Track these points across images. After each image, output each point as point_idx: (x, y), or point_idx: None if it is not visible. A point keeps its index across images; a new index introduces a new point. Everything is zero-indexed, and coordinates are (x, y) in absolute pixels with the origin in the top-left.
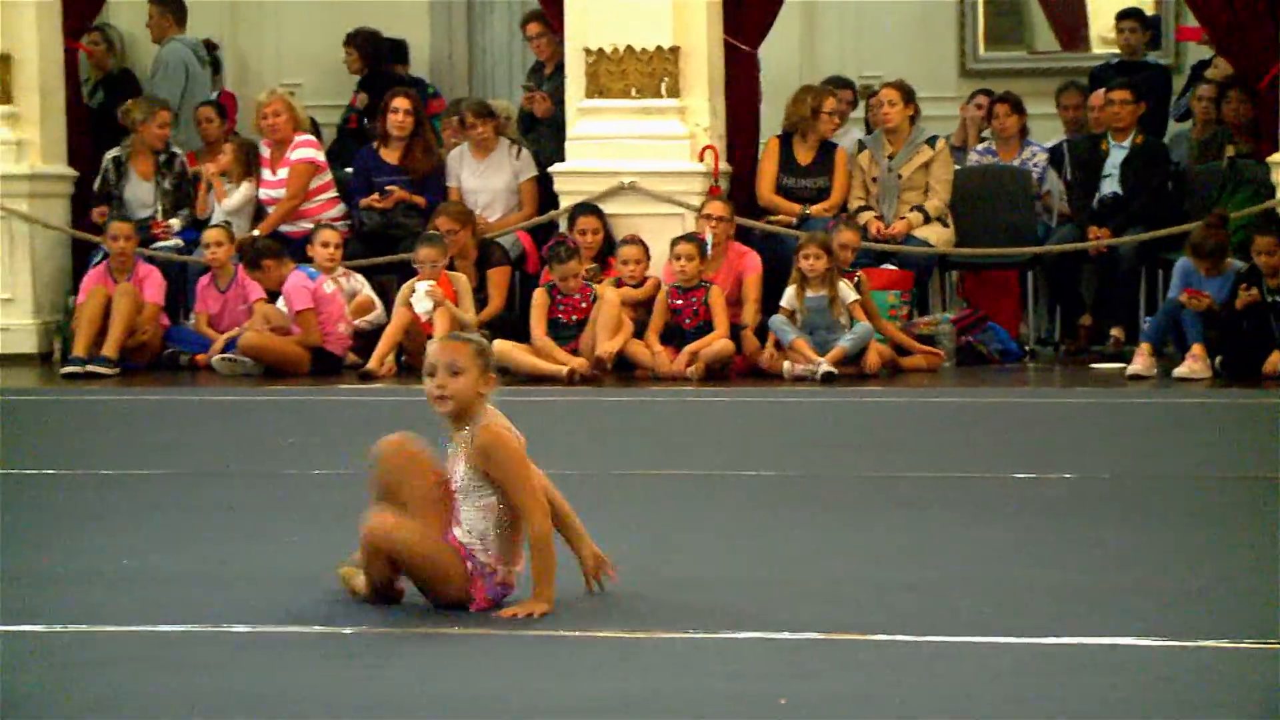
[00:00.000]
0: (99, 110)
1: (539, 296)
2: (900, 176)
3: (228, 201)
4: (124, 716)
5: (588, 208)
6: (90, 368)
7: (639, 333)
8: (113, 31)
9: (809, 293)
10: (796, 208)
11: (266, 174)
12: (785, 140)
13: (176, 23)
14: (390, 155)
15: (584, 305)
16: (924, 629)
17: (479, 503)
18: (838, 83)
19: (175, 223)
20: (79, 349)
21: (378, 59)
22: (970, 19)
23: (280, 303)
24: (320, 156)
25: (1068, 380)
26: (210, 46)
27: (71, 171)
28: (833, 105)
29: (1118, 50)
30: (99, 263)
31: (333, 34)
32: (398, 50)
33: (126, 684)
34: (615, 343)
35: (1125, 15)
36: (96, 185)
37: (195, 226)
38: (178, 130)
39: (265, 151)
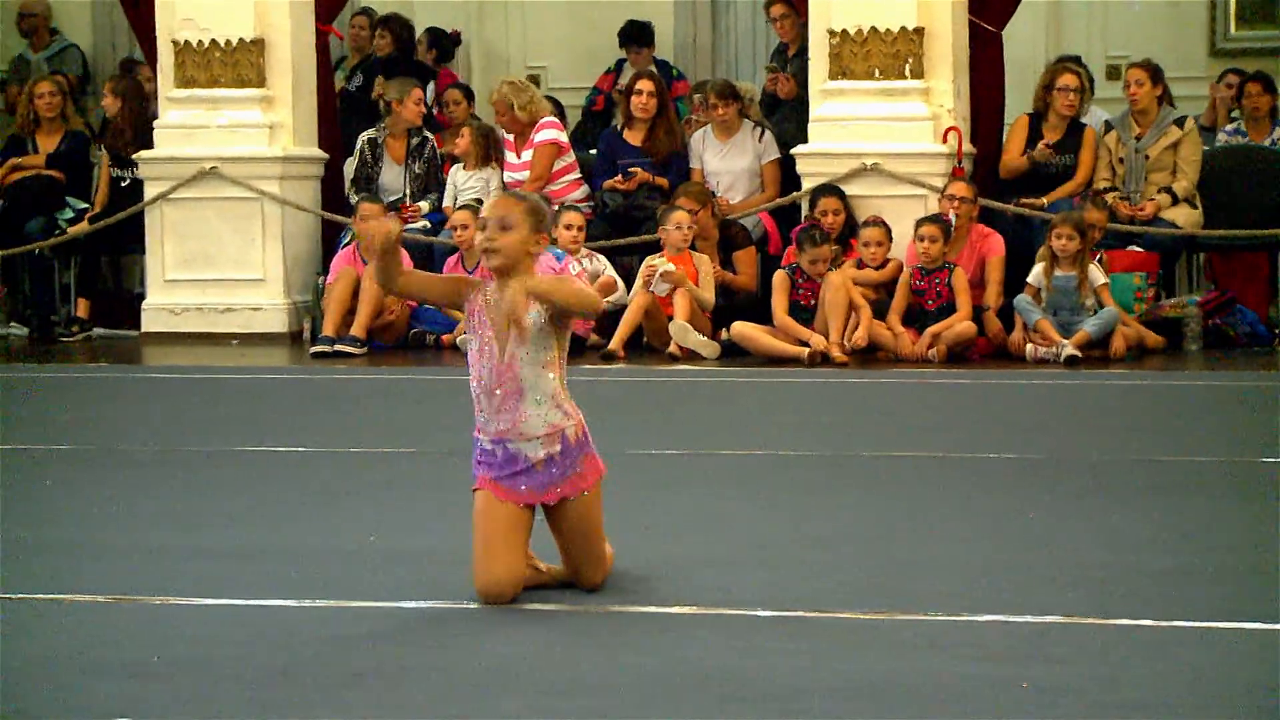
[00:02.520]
0: (357, 93)
1: (780, 278)
2: (1147, 157)
3: (466, 187)
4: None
5: (829, 189)
6: (338, 347)
7: (881, 314)
8: (377, 15)
9: (1058, 272)
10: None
11: (511, 157)
12: (1035, 119)
13: None
14: (633, 137)
15: (812, 283)
16: (1169, 614)
17: (545, 360)
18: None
19: (424, 205)
20: (327, 329)
21: (409, 46)
22: None
23: None
24: (563, 138)
25: None
26: (456, 37)
27: (322, 154)
28: (1070, 81)
29: None
30: (348, 244)
31: (578, 18)
32: (643, 32)
33: (378, 656)
34: (861, 333)
35: None
36: (354, 168)
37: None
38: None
39: (509, 135)
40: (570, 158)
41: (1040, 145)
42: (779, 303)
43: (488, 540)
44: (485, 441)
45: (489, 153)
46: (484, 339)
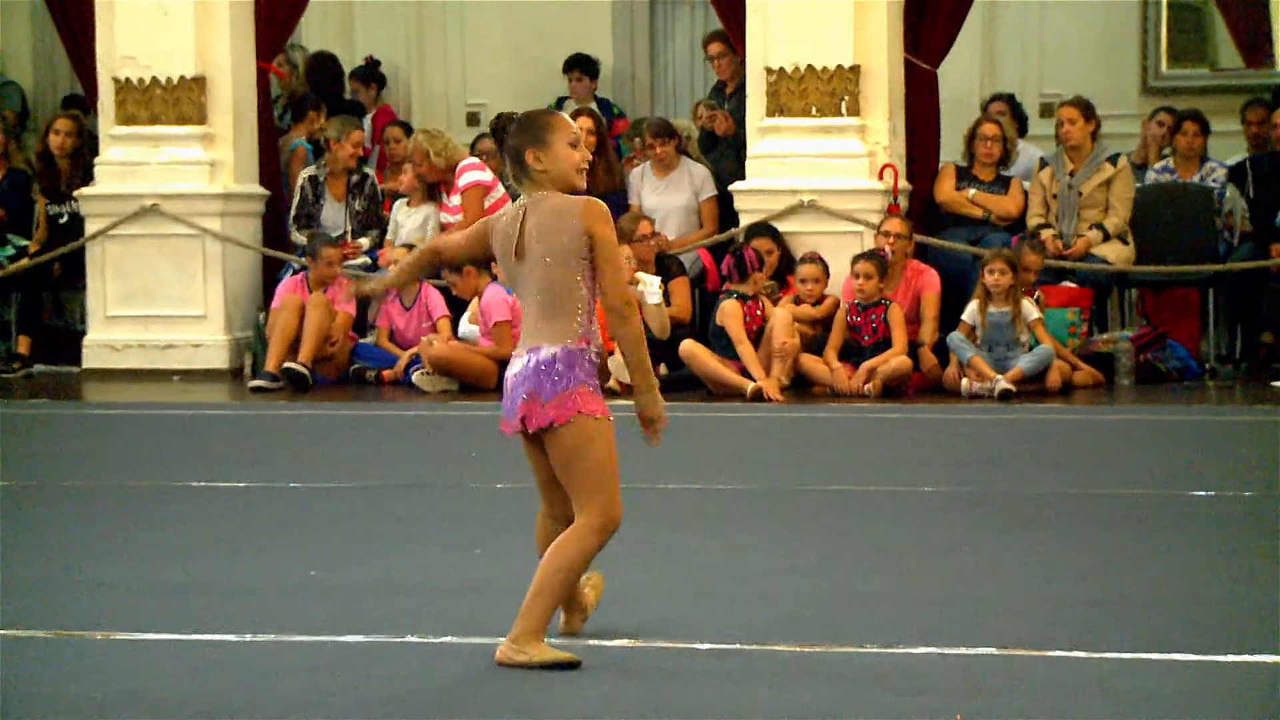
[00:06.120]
0: (287, 131)
1: (733, 307)
2: (1080, 193)
3: (407, 224)
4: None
5: (763, 228)
6: (288, 365)
7: (818, 349)
8: (297, 52)
9: (992, 308)
10: (977, 210)
11: (444, 198)
12: (962, 171)
13: None
14: None
15: (760, 314)
16: (1100, 645)
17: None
18: (1005, 100)
19: (364, 242)
20: (271, 359)
21: (324, 83)
22: (1153, 36)
23: (464, 316)
24: (486, 176)
25: (1248, 398)
26: (372, 63)
27: (263, 191)
28: (989, 130)
29: None
30: (295, 274)
31: (517, 55)
32: (587, 64)
33: (319, 689)
34: (775, 378)
35: None
36: (295, 205)
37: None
38: None
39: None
40: (501, 191)
41: (975, 193)
42: (738, 332)
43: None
44: (593, 354)
45: (432, 190)
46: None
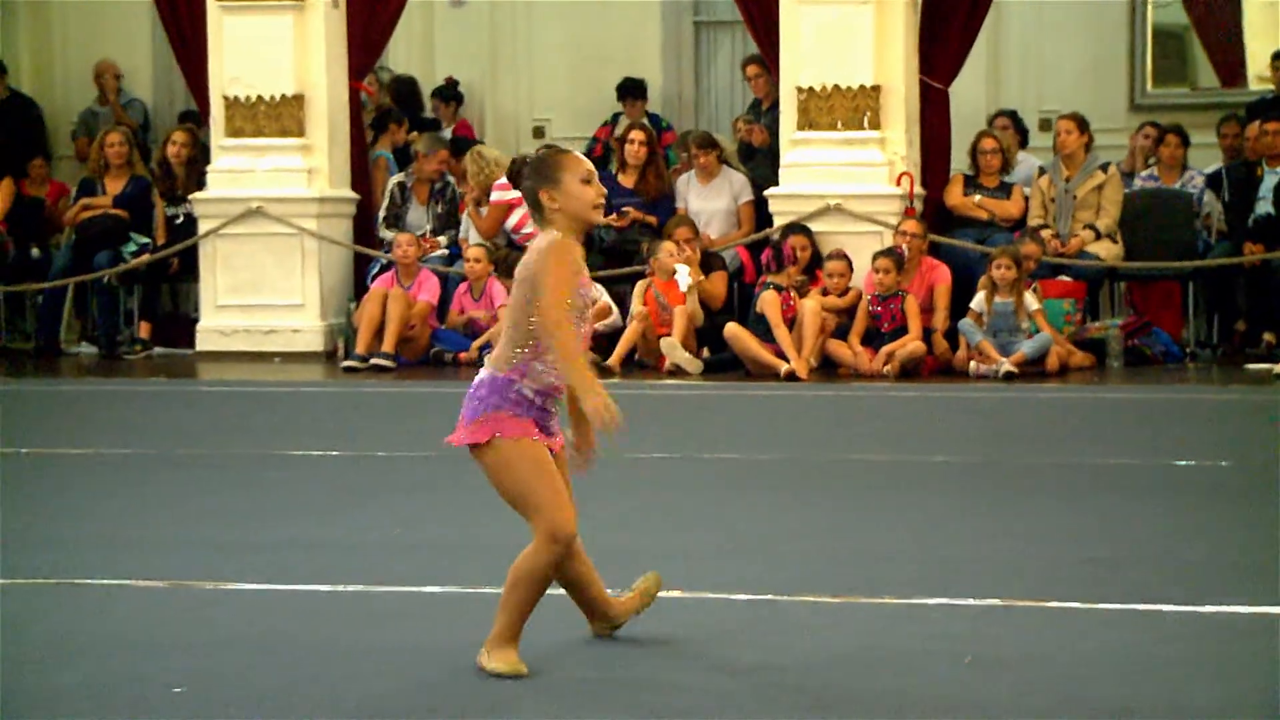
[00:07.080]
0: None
1: (772, 297)
2: (1075, 197)
3: (476, 227)
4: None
5: (797, 227)
6: (374, 361)
7: (843, 335)
8: (384, 73)
9: (997, 298)
10: (983, 213)
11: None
12: (969, 179)
13: None
14: (627, 180)
15: (793, 304)
16: (1094, 597)
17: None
18: (1009, 115)
19: (442, 240)
20: (360, 345)
21: (406, 101)
22: (1140, 59)
23: None
24: (510, 195)
25: (1223, 379)
26: (451, 83)
27: (354, 195)
28: (988, 144)
29: (1272, 87)
30: (387, 267)
31: (578, 77)
32: (638, 87)
33: (402, 633)
34: (804, 360)
35: None
36: (385, 207)
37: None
38: None
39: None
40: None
41: (981, 198)
42: (776, 320)
43: (559, 484)
44: (528, 390)
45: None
46: (587, 302)
